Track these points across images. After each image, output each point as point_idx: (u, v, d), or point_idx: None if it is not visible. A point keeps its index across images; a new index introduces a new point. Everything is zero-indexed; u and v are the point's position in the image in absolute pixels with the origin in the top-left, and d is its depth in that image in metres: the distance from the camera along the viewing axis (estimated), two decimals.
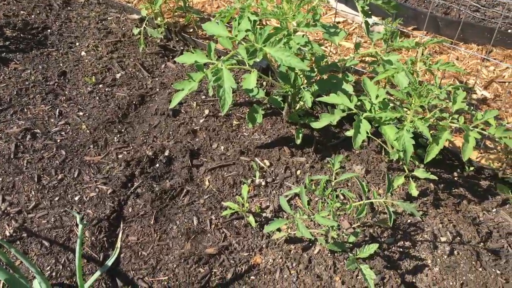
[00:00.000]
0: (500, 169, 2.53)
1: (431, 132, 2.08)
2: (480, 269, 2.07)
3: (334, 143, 2.65)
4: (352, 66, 3.02)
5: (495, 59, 3.27)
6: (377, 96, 2.19)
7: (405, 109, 2.19)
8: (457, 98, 2.09)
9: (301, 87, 2.37)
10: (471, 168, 2.54)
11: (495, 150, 2.74)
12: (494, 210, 2.38)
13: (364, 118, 2.10)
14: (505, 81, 3.17)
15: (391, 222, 1.81)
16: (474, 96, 3.09)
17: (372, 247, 1.85)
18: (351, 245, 2.11)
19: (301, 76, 2.45)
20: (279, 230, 2.18)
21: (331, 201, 1.83)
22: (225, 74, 2.12)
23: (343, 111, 2.16)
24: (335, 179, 1.99)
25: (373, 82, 2.24)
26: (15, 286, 1.73)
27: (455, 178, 2.52)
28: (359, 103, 2.22)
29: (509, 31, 3.30)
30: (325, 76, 2.42)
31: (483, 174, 2.56)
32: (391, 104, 2.24)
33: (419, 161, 2.44)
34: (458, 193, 2.44)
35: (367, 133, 2.17)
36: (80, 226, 1.62)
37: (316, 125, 2.26)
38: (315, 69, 2.42)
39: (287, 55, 2.08)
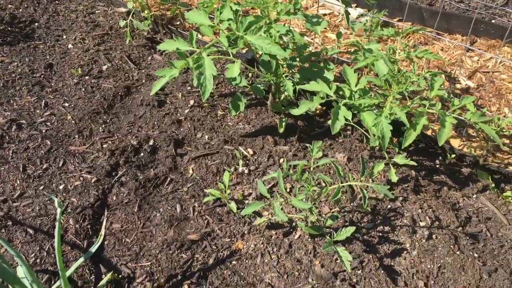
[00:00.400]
0: (481, 156, 2.57)
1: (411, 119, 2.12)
2: (458, 253, 2.11)
3: (317, 132, 2.68)
4: (337, 57, 3.05)
5: (479, 49, 3.30)
6: (356, 84, 2.22)
7: (384, 96, 2.22)
8: (434, 85, 2.12)
9: (283, 76, 2.40)
10: (453, 156, 2.58)
11: (477, 138, 2.77)
12: (475, 196, 2.41)
13: (342, 105, 2.12)
14: (488, 71, 3.20)
15: (366, 204, 1.84)
16: (458, 86, 3.12)
17: (349, 230, 1.88)
18: (330, 229, 2.13)
19: (284, 65, 2.48)
20: (260, 216, 2.21)
21: (308, 185, 1.86)
22: (206, 61, 2.15)
23: (322, 98, 2.19)
24: (313, 164, 2.02)
25: (353, 70, 2.27)
26: (2, 274, 1.75)
27: (437, 166, 2.55)
28: (341, 92, 2.25)
29: (493, 21, 3.33)
30: (307, 65, 2.44)
31: (464, 162, 2.59)
32: (371, 92, 2.27)
33: (400, 148, 2.47)
34: (439, 180, 2.47)
35: (350, 121, 2.21)
36: (58, 210, 1.64)
37: (295, 112, 2.29)
38: (297, 58, 2.45)
39: (267, 43, 2.11)
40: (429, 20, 3.39)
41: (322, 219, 2.15)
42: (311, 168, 1.99)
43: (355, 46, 2.50)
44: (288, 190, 2.32)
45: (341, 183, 1.88)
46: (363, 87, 2.27)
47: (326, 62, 2.44)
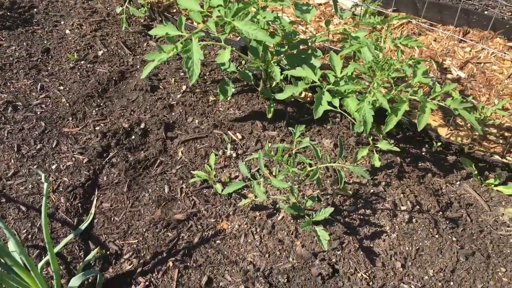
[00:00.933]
0: (466, 144, 2.61)
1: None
2: (437, 236, 2.16)
3: (306, 118, 2.73)
4: (329, 45, 3.09)
5: (471, 40, 3.33)
6: (342, 71, 2.27)
7: (370, 83, 2.27)
8: (417, 72, 2.16)
9: (272, 62, 2.45)
10: (439, 144, 2.62)
11: (464, 128, 2.81)
12: (458, 183, 2.46)
13: (326, 90, 2.17)
14: (480, 62, 3.23)
15: (342, 184, 1.90)
16: (449, 76, 3.16)
17: (328, 211, 1.93)
18: (311, 211, 2.19)
19: (273, 51, 2.53)
20: (245, 197, 2.27)
21: (288, 166, 1.91)
22: (194, 46, 2.20)
23: (307, 83, 2.24)
24: (295, 147, 2.07)
25: (339, 57, 2.31)
26: None
27: (423, 153, 2.60)
28: (327, 78, 2.30)
29: (486, 12, 3.35)
30: (295, 52, 2.49)
31: (450, 150, 2.64)
32: (358, 79, 2.31)
33: (383, 134, 2.51)
34: (424, 167, 2.52)
35: (338, 108, 2.25)
36: (45, 184, 1.71)
37: (280, 96, 2.34)
38: (286, 45, 2.49)
39: (254, 29, 2.16)
40: (422, 10, 3.41)
41: (304, 201, 2.20)
42: (293, 151, 2.05)
43: (344, 34, 2.54)
44: (274, 173, 2.38)
45: (319, 164, 1.93)
46: (350, 73, 2.32)
47: (313, 50, 2.48)
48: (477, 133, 2.74)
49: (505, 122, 2.84)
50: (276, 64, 2.45)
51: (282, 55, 2.49)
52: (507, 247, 2.15)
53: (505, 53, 3.21)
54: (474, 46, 3.30)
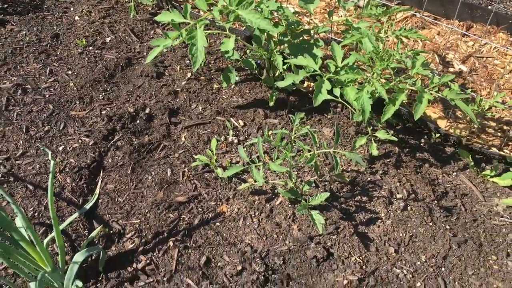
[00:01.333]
0: (464, 136, 2.65)
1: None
2: (431, 224, 2.21)
3: (308, 108, 2.78)
4: (332, 37, 3.14)
5: (475, 34, 3.36)
6: (343, 61, 2.31)
7: (370, 73, 2.31)
8: (416, 63, 2.20)
9: (275, 51, 2.50)
10: (437, 135, 2.67)
11: (464, 120, 2.85)
12: (454, 173, 2.50)
13: (326, 79, 2.22)
14: (482, 56, 3.26)
15: (337, 169, 1.95)
16: (451, 69, 3.19)
17: (324, 196, 1.99)
18: (308, 196, 2.25)
19: (276, 41, 2.58)
20: (245, 182, 2.34)
21: (286, 151, 1.97)
22: (199, 33, 2.26)
23: (308, 72, 2.29)
24: (294, 134, 2.13)
25: (340, 47, 2.36)
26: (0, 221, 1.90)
27: (421, 144, 2.65)
28: (328, 68, 2.35)
29: (489, 7, 3.38)
30: (297, 42, 2.54)
31: (448, 141, 2.68)
32: (358, 69, 2.36)
33: (387, 126, 2.56)
34: (422, 157, 2.56)
35: (338, 98, 2.31)
36: (52, 162, 1.78)
37: (281, 84, 2.39)
38: (289, 35, 2.54)
39: (257, 17, 2.21)
40: (427, 4, 3.44)
41: (301, 186, 2.26)
42: (292, 137, 2.10)
43: (346, 25, 2.58)
44: (273, 159, 2.44)
45: (316, 149, 1.99)
46: (351, 64, 2.36)
47: (316, 40, 2.53)
48: (475, 126, 2.78)
49: (504, 116, 2.87)
50: (279, 53, 2.50)
51: (285, 45, 2.54)
52: (499, 236, 2.20)
53: (507, 48, 3.24)
54: (477, 41, 3.32)
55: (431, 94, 2.14)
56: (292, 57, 2.47)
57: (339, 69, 2.31)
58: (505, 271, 2.07)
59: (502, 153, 2.61)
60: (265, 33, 2.48)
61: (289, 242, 2.13)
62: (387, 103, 2.17)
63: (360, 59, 2.24)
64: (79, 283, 1.90)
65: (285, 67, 2.60)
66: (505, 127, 2.80)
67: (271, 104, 2.67)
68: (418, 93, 2.14)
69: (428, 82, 2.24)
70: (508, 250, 2.14)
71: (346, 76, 2.20)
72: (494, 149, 2.67)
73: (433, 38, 3.39)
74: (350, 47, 3.16)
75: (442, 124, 2.82)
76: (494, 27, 3.33)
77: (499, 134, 2.77)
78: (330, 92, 2.41)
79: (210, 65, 3.04)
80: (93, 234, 2.13)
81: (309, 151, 2.02)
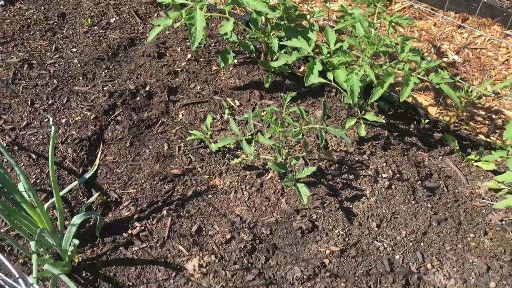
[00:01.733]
0: (452, 122, 2.74)
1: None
2: (413, 202, 2.31)
3: (303, 91, 2.88)
4: (329, 23, 3.23)
5: (470, 26, 3.43)
6: (335, 44, 2.41)
7: (361, 56, 2.41)
8: (404, 48, 2.29)
9: (271, 34, 2.60)
10: (427, 121, 2.76)
11: (453, 108, 2.94)
12: (440, 157, 2.60)
13: (319, 61, 2.32)
14: (476, 47, 3.34)
15: (322, 142, 2.05)
16: (445, 59, 3.27)
17: (310, 169, 2.09)
18: (296, 170, 2.35)
19: (273, 25, 2.67)
20: (237, 157, 2.44)
21: (275, 126, 2.07)
22: (198, 14, 2.36)
23: (301, 53, 2.39)
24: (285, 111, 2.23)
25: (334, 31, 2.45)
26: (3, 183, 2.02)
27: (410, 129, 2.74)
28: (326, 51, 2.45)
29: (485, 0, 3.45)
30: (293, 25, 2.63)
31: (437, 128, 2.77)
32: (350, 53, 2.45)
33: (379, 112, 2.66)
34: (410, 141, 2.66)
35: (331, 82, 2.41)
36: (53, 128, 1.89)
37: (275, 64, 2.49)
38: (285, 19, 2.64)
39: (254, 0, 2.31)
40: None
41: (289, 161, 2.36)
42: (283, 114, 2.21)
43: (341, 11, 2.67)
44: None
45: (304, 124, 2.09)
46: (345, 47, 2.46)
47: (311, 24, 2.62)
48: (465, 114, 2.87)
49: (494, 106, 2.96)
50: (275, 36, 2.60)
51: (281, 28, 2.63)
52: (479, 216, 2.30)
53: (501, 40, 3.32)
54: (471, 32, 3.40)
55: (417, 77, 2.23)
56: (285, 37, 2.56)
57: (331, 52, 2.41)
58: (482, 248, 2.16)
59: (488, 140, 2.70)
60: (263, 17, 2.57)
61: (277, 214, 2.24)
62: (375, 85, 2.26)
63: (351, 42, 2.33)
64: (76, 241, 2.02)
65: (282, 51, 2.70)
66: (493, 116, 2.88)
67: (267, 86, 2.77)
68: (405, 76, 2.23)
69: (417, 67, 2.33)
70: (486, 229, 2.24)
71: (337, 58, 2.29)
72: (481, 136, 2.75)
73: (429, 29, 3.47)
74: (346, 33, 3.24)
75: (433, 111, 2.91)
76: (489, 19, 3.41)
77: (487, 122, 2.85)
78: (324, 76, 2.51)
79: (210, 48, 3.14)
80: (91, 199, 2.25)
81: (296, 126, 2.12)
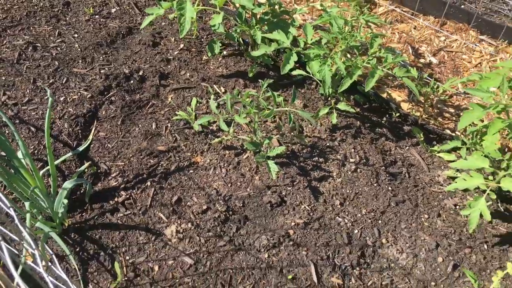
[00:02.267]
0: (420, 116, 2.96)
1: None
2: (375, 185, 2.53)
3: (285, 82, 3.11)
4: (312, 21, 3.46)
5: (447, 31, 3.66)
6: (312, 38, 2.64)
7: (334, 50, 2.64)
8: (374, 44, 2.52)
9: (255, 27, 2.83)
10: (397, 114, 2.98)
11: (425, 105, 3.16)
12: (407, 148, 2.82)
13: (295, 52, 2.55)
14: (452, 50, 3.56)
15: (291, 123, 2.28)
16: (422, 60, 3.50)
17: (280, 148, 2.32)
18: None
19: (258, 19, 2.91)
20: (218, 137, 2.67)
21: (250, 108, 2.30)
22: (188, 5, 2.59)
23: (279, 45, 2.62)
24: (262, 96, 2.46)
25: (312, 26, 2.68)
26: (5, 149, 2.25)
27: (382, 121, 2.96)
28: (302, 44, 2.67)
29: (462, 6, 3.67)
30: (276, 20, 2.86)
31: (407, 121, 2.99)
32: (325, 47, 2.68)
33: (355, 105, 2.87)
34: (380, 132, 2.88)
35: (311, 74, 2.63)
36: (50, 99, 2.12)
37: (255, 53, 2.72)
38: (269, 14, 2.87)
39: None
40: (407, 0, 3.75)
41: (261, 140, 2.58)
42: (259, 98, 2.43)
43: (322, 10, 2.90)
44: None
45: (275, 107, 2.32)
46: (324, 42, 2.68)
47: (293, 19, 2.85)
48: (435, 110, 3.09)
49: (463, 104, 3.18)
50: (259, 30, 2.83)
51: (265, 22, 2.86)
52: (435, 200, 2.52)
53: (476, 44, 3.54)
54: (448, 36, 3.63)
55: (383, 70, 2.46)
56: (268, 30, 2.80)
57: (308, 45, 2.64)
58: (434, 227, 2.38)
59: (453, 134, 2.92)
60: (249, 12, 2.80)
61: (250, 189, 2.46)
62: (344, 76, 2.49)
63: (326, 37, 2.56)
64: (65, 201, 2.25)
65: (267, 48, 2.92)
66: (461, 114, 3.10)
67: (251, 75, 3.00)
68: (371, 69, 2.46)
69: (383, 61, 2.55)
70: (440, 212, 2.45)
71: (312, 51, 2.52)
72: (448, 131, 2.97)
73: (409, 31, 3.70)
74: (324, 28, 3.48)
75: (405, 106, 3.13)
76: (466, 24, 3.63)
77: (454, 118, 3.07)
78: (304, 68, 2.74)
79: (202, 40, 3.37)
80: (82, 168, 2.49)
81: (269, 109, 2.35)
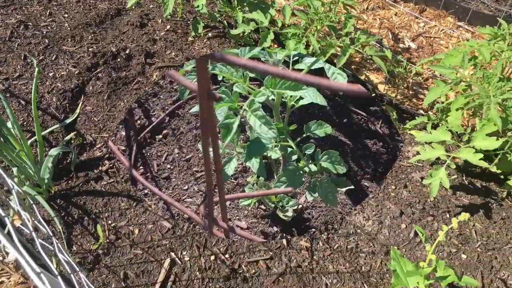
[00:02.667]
0: (394, 97, 3.10)
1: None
2: (349, 158, 2.67)
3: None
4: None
5: (427, 17, 3.79)
6: (289, 19, 2.77)
7: (309, 29, 2.77)
8: (347, 24, 2.65)
9: (237, 8, 2.96)
10: (373, 95, 3.11)
11: (401, 87, 3.30)
12: (379, 125, 2.95)
13: (272, 31, 2.68)
14: (431, 36, 3.70)
15: None
16: (401, 45, 3.63)
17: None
18: None
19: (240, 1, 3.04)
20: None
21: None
22: None
23: (257, 24, 2.75)
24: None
25: (290, 7, 2.81)
26: None
27: (357, 101, 3.09)
28: (280, 24, 2.80)
29: None
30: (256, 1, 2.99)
31: (383, 101, 3.12)
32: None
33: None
34: (354, 111, 3.01)
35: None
36: (36, 69, 2.26)
37: (234, 32, 2.85)
38: None
39: None
40: None
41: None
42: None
43: None
44: None
45: None
46: (303, 24, 2.81)
47: (273, 1, 2.98)
48: (410, 92, 3.22)
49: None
50: (240, 11, 2.96)
51: (246, 3, 2.99)
52: (403, 174, 2.65)
53: (453, 30, 3.67)
54: (427, 23, 3.76)
55: (354, 49, 2.59)
56: (248, 11, 2.93)
57: (286, 25, 2.77)
58: (399, 197, 2.52)
59: (425, 114, 3.06)
60: None
61: None
62: (318, 54, 2.62)
63: (302, 18, 2.69)
64: (50, 165, 2.38)
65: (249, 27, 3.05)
66: None
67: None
68: (344, 48, 2.59)
69: (355, 41, 2.68)
70: (407, 184, 2.59)
71: (289, 30, 2.65)
72: (421, 111, 3.11)
73: (390, 17, 3.83)
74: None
75: (381, 88, 3.27)
76: (444, 11, 3.76)
77: None
78: (283, 48, 2.86)
79: (188, 22, 3.50)
80: (68, 137, 2.62)
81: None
